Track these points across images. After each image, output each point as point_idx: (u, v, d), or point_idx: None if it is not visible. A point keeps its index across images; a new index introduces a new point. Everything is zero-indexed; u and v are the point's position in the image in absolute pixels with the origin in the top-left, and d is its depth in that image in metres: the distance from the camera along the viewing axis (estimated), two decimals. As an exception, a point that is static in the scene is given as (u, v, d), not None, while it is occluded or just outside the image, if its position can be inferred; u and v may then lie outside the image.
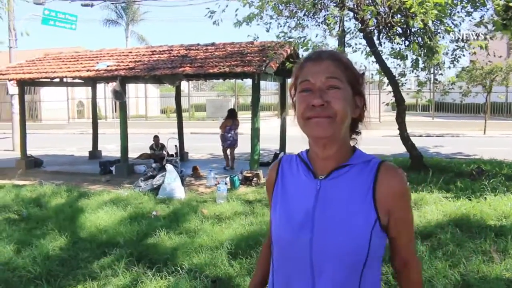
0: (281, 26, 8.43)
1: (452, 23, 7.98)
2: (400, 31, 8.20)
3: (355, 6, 7.95)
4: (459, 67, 9.81)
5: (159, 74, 9.00)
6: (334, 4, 8.13)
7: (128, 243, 4.77)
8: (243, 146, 10.58)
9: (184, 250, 4.46)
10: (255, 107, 8.95)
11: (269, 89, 26.91)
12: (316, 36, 11.98)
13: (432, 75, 9.34)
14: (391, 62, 8.92)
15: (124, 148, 9.63)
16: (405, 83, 9.29)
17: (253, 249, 4.33)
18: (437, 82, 9.67)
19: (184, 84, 18.47)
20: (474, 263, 3.92)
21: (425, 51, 7.73)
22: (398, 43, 8.07)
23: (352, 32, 8.57)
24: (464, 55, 8.68)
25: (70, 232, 5.18)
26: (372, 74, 10.70)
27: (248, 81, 13.45)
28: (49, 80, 10.99)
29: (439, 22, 7.62)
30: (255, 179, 8.22)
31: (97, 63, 10.28)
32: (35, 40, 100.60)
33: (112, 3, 31.96)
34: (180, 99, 12.31)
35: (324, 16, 8.42)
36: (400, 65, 8.64)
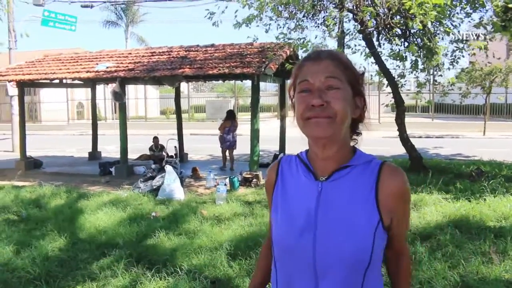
0: (280, 27, 8.44)
1: (451, 24, 7.98)
2: (400, 32, 8.21)
3: (354, 7, 7.95)
4: (458, 68, 9.83)
5: (159, 75, 9.00)
6: (334, 5, 8.14)
7: (127, 244, 4.77)
8: (243, 147, 10.57)
9: (184, 251, 4.45)
10: (254, 108, 8.94)
11: (269, 90, 26.87)
12: (316, 37, 11.94)
13: (431, 76, 9.33)
14: (390, 63, 8.96)
15: (124, 149, 9.63)
16: (405, 84, 9.29)
17: (252, 250, 4.33)
18: (436, 83, 9.66)
19: (183, 85, 18.46)
20: (473, 264, 3.92)
21: (425, 52, 7.73)
22: (397, 44, 8.08)
23: (352, 33, 8.58)
24: (463, 56, 8.67)
25: (69, 233, 5.18)
26: (371, 75, 10.69)
27: (248, 82, 13.46)
28: (48, 81, 10.99)
29: (438, 23, 7.62)
30: (254, 180, 8.23)
31: (97, 64, 10.27)
32: (35, 42, 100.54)
33: (112, 4, 32.07)
34: (180, 100, 12.28)
35: (323, 17, 8.42)
36: (399, 66, 8.67)
